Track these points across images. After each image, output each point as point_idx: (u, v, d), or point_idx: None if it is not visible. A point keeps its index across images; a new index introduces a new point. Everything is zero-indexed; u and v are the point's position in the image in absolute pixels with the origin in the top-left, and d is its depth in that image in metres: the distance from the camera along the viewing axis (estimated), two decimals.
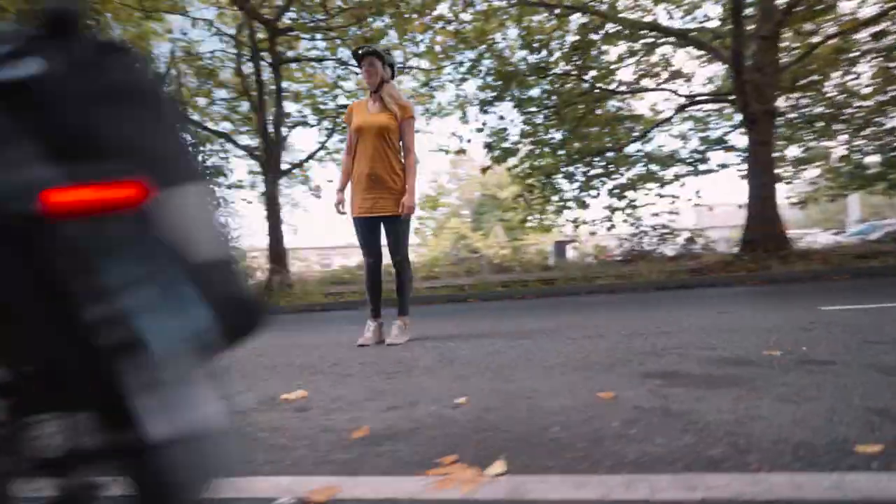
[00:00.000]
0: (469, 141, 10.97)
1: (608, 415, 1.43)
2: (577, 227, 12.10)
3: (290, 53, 10.87)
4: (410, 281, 3.13)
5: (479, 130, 10.30)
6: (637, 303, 4.83)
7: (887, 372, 1.64)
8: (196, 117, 12.12)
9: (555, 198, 11.64)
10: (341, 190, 3.04)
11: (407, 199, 2.89)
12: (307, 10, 9.53)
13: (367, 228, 3.00)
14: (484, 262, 11.52)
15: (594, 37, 9.95)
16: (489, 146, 9.94)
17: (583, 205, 12.16)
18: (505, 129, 10.43)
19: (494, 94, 9.68)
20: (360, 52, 2.97)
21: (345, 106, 12.04)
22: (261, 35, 9.39)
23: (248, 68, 10.00)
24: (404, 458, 1.23)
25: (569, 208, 12.21)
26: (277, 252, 9.78)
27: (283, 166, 11.46)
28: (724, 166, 11.12)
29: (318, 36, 10.83)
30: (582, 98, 10.28)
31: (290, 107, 12.69)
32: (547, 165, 11.40)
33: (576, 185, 12.04)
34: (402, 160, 2.99)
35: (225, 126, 12.52)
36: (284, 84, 12.30)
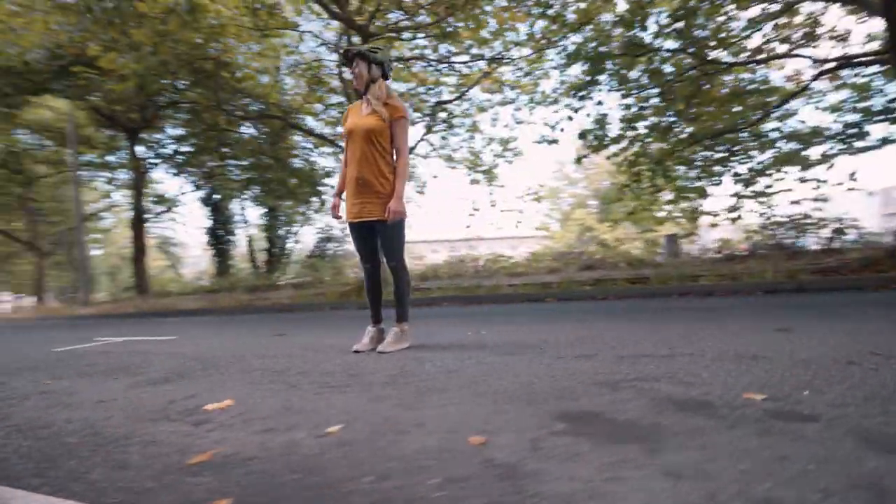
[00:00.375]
0: (563, 130, 10.33)
1: (446, 467, 1.21)
2: (695, 218, 10.79)
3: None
4: (408, 286, 3.01)
5: (570, 119, 9.67)
6: (708, 311, 4.13)
7: (871, 443, 1.16)
8: (313, 123, 13.20)
9: (666, 186, 10.50)
10: (338, 194, 3.03)
11: (393, 203, 2.77)
12: (393, 12, 9.74)
13: (358, 234, 2.95)
14: (585, 257, 10.87)
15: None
16: (583, 135, 9.27)
17: (703, 193, 10.81)
18: (605, 116, 9.65)
19: (588, 78, 8.98)
20: (347, 54, 2.92)
21: (444, 102, 12.19)
22: (357, 40, 9.82)
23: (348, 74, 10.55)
24: (183, 498, 1.17)
25: (686, 198, 10.94)
26: None
27: None
28: (889, 141, 9.06)
29: (420, 35, 11.07)
30: (696, 73, 9.07)
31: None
32: (657, 151, 10.32)
33: (695, 171, 10.76)
34: (394, 162, 2.89)
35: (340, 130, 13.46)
36: (394, 85, 12.85)
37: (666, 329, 3.14)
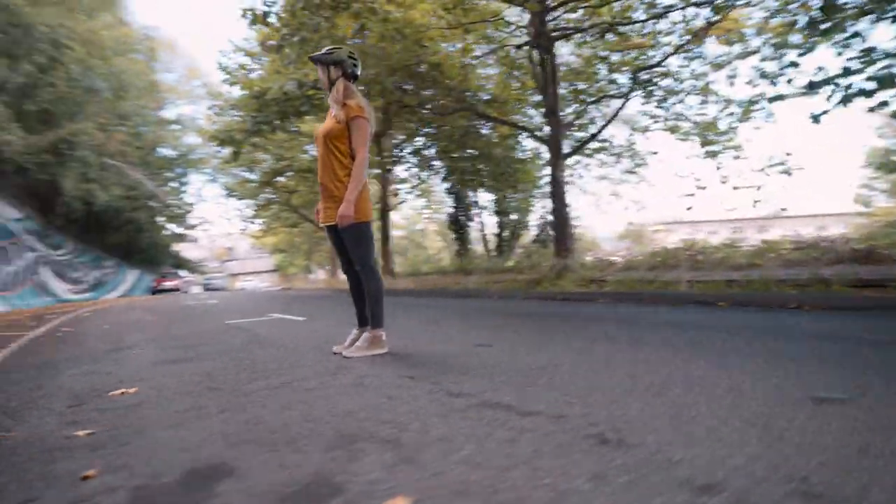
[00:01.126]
0: (789, 81, 7.82)
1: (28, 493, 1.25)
2: None
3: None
4: (379, 291, 2.87)
5: (794, 65, 7.23)
6: (845, 341, 2.67)
7: None
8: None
9: None
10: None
11: (342, 207, 2.67)
12: None
13: (330, 237, 2.97)
14: (850, 246, 8.14)
15: None
16: (814, 85, 6.78)
17: None
18: (871, 51, 6.84)
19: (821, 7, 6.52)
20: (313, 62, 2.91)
21: (646, 67, 10.68)
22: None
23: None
24: None
25: None
26: (562, 235, 9.76)
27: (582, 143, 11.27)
28: None
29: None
30: None
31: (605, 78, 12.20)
32: None
33: None
34: (354, 165, 2.78)
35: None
36: (605, 55, 11.91)
37: (687, 366, 2.22)
